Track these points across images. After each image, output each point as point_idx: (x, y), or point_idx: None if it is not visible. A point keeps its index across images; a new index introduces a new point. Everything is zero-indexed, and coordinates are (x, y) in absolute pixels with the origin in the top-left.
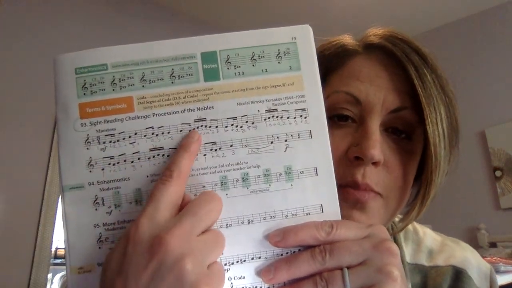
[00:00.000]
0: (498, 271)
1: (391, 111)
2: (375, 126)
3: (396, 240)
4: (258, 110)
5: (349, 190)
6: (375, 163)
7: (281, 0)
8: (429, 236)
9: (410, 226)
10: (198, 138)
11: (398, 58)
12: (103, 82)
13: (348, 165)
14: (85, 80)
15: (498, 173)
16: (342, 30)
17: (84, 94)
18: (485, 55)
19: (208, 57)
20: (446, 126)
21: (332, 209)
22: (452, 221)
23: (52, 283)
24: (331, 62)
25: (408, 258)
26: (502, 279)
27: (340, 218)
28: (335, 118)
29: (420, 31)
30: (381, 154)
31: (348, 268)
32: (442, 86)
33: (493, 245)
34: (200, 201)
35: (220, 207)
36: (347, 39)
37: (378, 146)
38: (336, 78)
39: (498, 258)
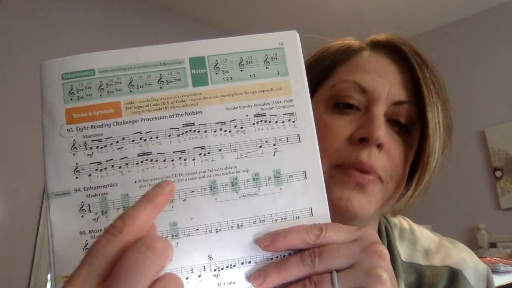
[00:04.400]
0: (498, 271)
1: (395, 103)
2: (380, 113)
3: (389, 241)
4: (247, 115)
5: (350, 172)
6: (379, 146)
7: (281, 1)
8: (426, 236)
9: (407, 226)
10: (170, 190)
11: (404, 54)
12: (90, 88)
13: (353, 146)
14: (72, 85)
15: (498, 173)
16: (341, 31)
17: (71, 99)
18: (485, 55)
19: (197, 62)
20: (442, 119)
21: (322, 212)
22: (452, 221)
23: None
24: (338, 56)
25: (404, 257)
26: (502, 279)
27: (329, 221)
28: (340, 106)
29: (420, 31)
30: (386, 136)
31: (337, 271)
32: (440, 85)
33: (493, 245)
34: (128, 263)
35: (160, 258)
36: (352, 41)
37: (383, 129)
38: (342, 69)
39: (498, 258)
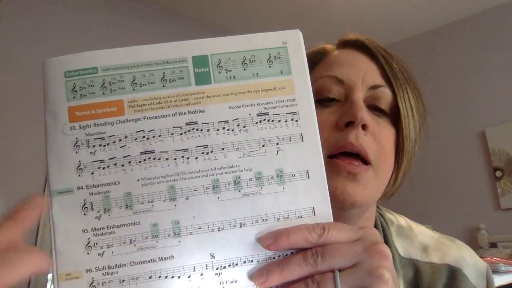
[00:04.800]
0: (498, 271)
1: (371, 87)
2: (359, 97)
3: (386, 237)
4: (250, 114)
5: (340, 163)
6: (364, 127)
7: (281, 1)
8: (424, 233)
9: (404, 223)
10: (33, 207)
11: (369, 49)
12: (93, 86)
13: (340, 132)
14: (74, 83)
15: (498, 174)
16: (341, 31)
17: (74, 97)
18: (485, 55)
19: (200, 61)
20: (414, 104)
21: (324, 212)
22: (452, 221)
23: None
24: (313, 58)
25: (402, 253)
26: (502, 279)
27: (332, 221)
28: (322, 101)
29: (420, 31)
30: (369, 118)
31: (339, 270)
32: (408, 74)
33: (493, 245)
34: None
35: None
36: (324, 45)
37: (365, 111)
38: (318, 68)
39: (499, 259)
